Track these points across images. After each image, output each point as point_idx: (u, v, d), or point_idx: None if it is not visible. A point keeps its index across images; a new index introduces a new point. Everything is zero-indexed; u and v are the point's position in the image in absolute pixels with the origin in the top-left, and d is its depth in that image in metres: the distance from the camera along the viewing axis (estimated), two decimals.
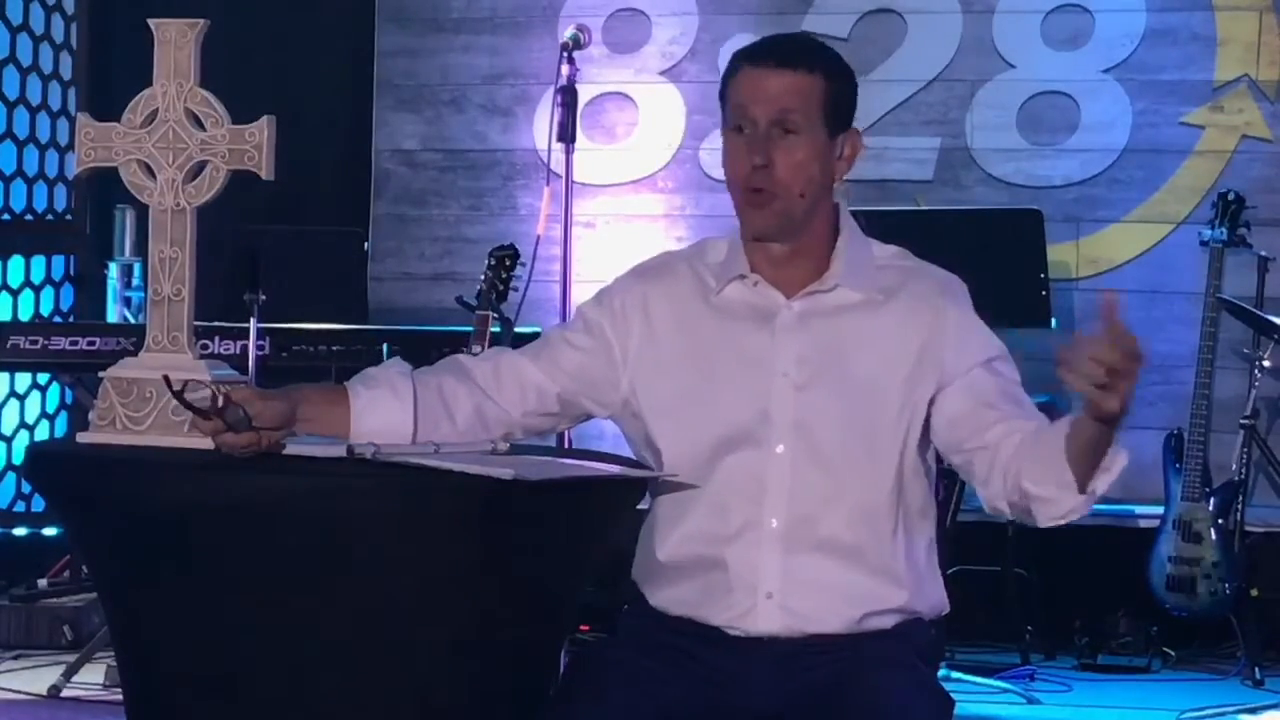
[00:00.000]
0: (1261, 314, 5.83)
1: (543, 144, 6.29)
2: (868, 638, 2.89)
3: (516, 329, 5.08)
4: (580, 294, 6.05)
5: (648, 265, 3.10)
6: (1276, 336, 5.83)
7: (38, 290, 6.72)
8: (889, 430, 2.91)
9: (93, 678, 5.26)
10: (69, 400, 6.77)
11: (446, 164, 6.90)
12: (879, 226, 3.15)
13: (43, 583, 6.06)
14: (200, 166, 3.02)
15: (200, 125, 3.02)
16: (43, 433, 6.75)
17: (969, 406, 2.90)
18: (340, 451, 2.84)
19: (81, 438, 3.03)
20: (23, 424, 6.67)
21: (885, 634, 2.91)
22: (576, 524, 2.90)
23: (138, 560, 2.84)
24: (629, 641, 3.00)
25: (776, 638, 2.89)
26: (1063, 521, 2.83)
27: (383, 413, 2.91)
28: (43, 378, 6.67)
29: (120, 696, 3.06)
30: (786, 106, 2.89)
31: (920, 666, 2.90)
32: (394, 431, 2.90)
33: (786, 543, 2.89)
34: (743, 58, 2.95)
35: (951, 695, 2.92)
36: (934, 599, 2.99)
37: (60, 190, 6.90)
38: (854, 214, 3.08)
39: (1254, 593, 5.79)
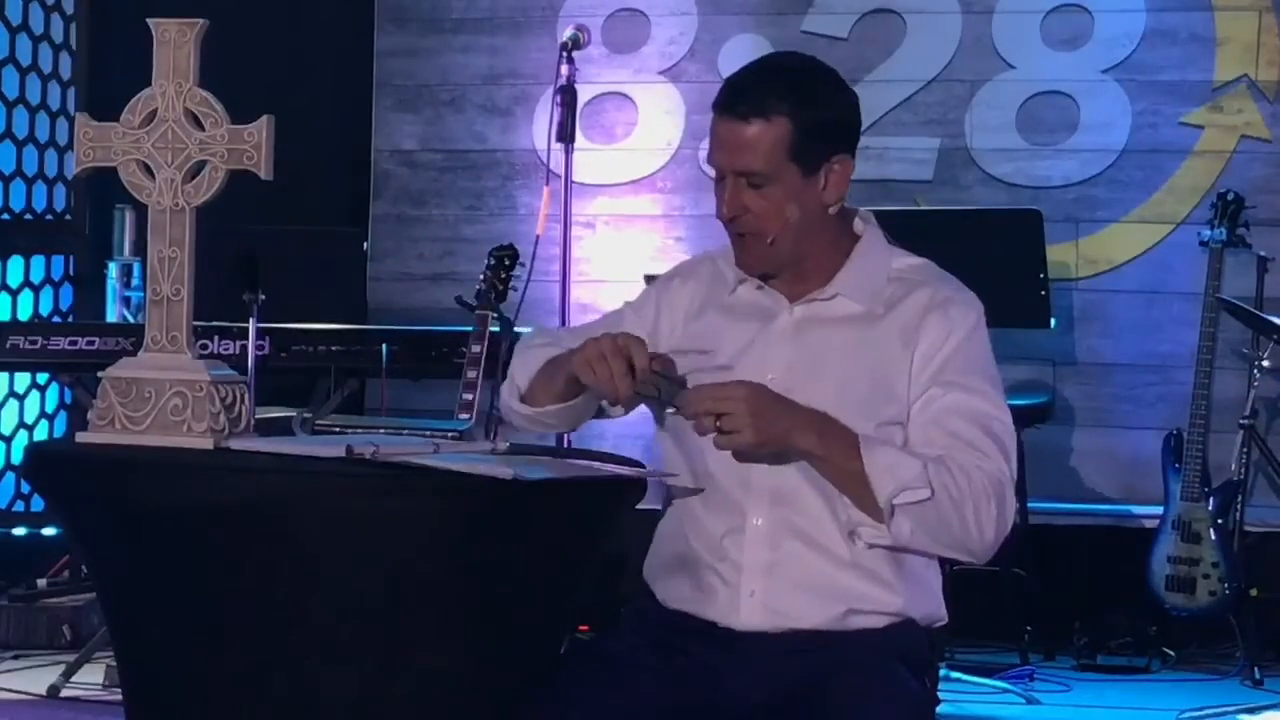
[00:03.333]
0: (1261, 314, 5.82)
1: (542, 144, 6.29)
2: (853, 638, 2.90)
3: (516, 329, 5.08)
4: (579, 294, 6.08)
5: (686, 262, 3.16)
6: (1276, 337, 5.83)
7: (37, 290, 6.72)
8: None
9: (92, 678, 5.25)
10: (68, 400, 6.77)
11: (446, 164, 6.90)
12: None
13: (42, 583, 6.06)
14: (199, 166, 3.02)
15: (199, 125, 3.02)
16: (42, 433, 6.75)
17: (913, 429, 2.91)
18: (340, 451, 2.85)
19: (81, 438, 3.03)
20: (22, 424, 6.67)
21: (871, 636, 2.91)
22: (576, 524, 2.91)
23: (137, 560, 2.84)
24: (624, 636, 3.03)
25: (763, 633, 2.91)
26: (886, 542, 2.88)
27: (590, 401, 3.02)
28: (42, 378, 6.67)
29: (120, 697, 3.06)
30: (747, 162, 2.91)
31: (901, 673, 2.87)
32: (580, 419, 3.07)
33: (770, 542, 2.92)
34: (715, 103, 2.96)
35: (932, 706, 2.92)
36: (929, 607, 2.99)
37: (60, 190, 6.90)
38: None
39: (1254, 593, 5.78)
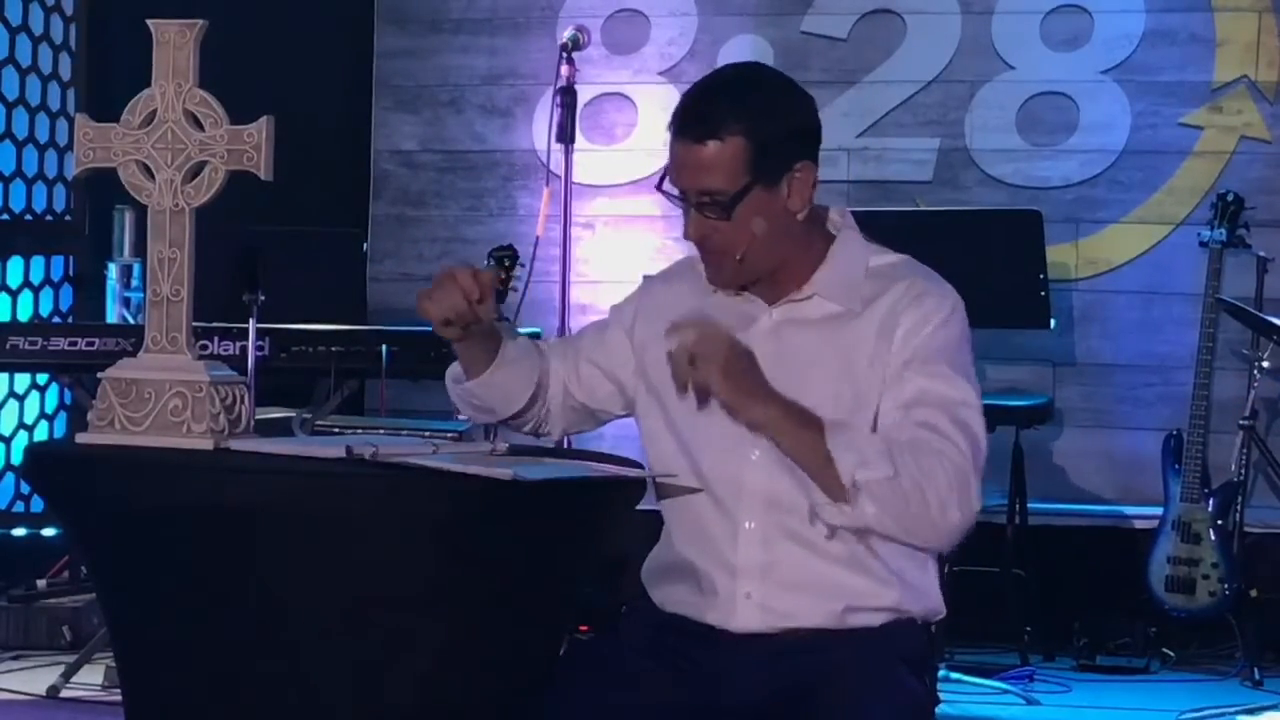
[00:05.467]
0: (1260, 315, 5.83)
1: (542, 145, 6.29)
2: (852, 637, 2.90)
3: (516, 330, 5.08)
4: (579, 294, 6.07)
5: (670, 267, 3.16)
6: (1275, 337, 5.83)
7: (37, 291, 6.72)
8: None
9: (92, 678, 5.25)
10: (68, 401, 6.77)
11: (445, 165, 6.90)
12: (878, 227, 3.14)
13: (42, 583, 6.06)
14: (199, 167, 3.02)
15: (199, 126, 3.02)
16: (42, 433, 6.75)
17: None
18: (340, 452, 2.85)
19: (80, 438, 3.03)
20: (22, 425, 6.67)
21: (870, 635, 2.91)
22: (576, 524, 2.91)
23: (136, 561, 2.84)
24: (624, 637, 3.04)
25: (761, 635, 2.91)
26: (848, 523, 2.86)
27: (514, 375, 3.06)
28: (42, 378, 6.67)
29: (119, 697, 3.06)
30: (707, 183, 2.90)
31: (900, 673, 2.88)
32: (510, 397, 3.06)
33: (764, 543, 2.92)
34: (670, 125, 2.95)
35: (931, 706, 2.92)
36: (926, 601, 2.99)
37: (59, 191, 6.90)
38: (853, 215, 3.08)
39: (1253, 593, 5.79)
